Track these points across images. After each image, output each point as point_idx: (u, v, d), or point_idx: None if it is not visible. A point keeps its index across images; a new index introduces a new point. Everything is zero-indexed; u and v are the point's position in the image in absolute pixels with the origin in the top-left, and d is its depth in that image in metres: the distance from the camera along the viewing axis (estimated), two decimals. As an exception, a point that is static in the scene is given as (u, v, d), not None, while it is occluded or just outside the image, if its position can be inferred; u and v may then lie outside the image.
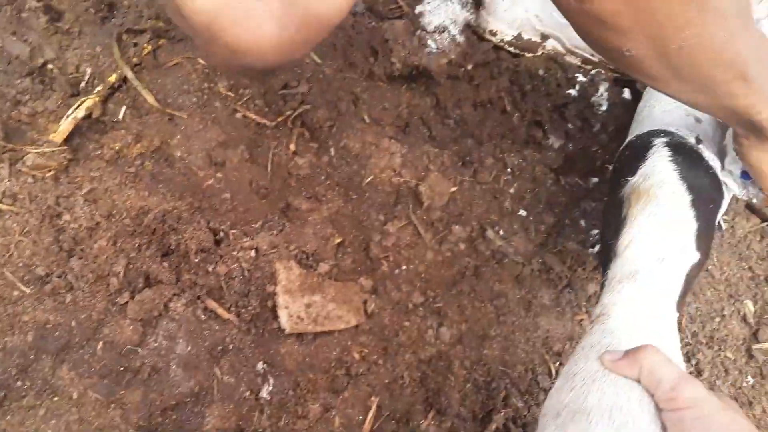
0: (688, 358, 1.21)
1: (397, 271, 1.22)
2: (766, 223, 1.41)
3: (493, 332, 1.18)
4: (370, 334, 1.14)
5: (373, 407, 1.06)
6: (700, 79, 0.73)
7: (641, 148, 1.00)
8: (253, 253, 1.14)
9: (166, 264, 1.09)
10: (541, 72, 1.54)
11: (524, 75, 1.55)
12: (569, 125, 1.50)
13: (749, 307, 1.29)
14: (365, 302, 1.16)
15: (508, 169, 1.38)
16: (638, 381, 0.68)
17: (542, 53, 1.53)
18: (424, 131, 1.42)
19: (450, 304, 1.20)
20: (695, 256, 0.87)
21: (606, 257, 0.93)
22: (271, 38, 0.74)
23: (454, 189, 1.32)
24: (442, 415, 1.07)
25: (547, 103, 1.53)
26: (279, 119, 1.33)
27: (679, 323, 1.22)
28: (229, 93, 1.35)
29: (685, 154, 0.94)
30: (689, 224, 0.88)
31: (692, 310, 1.25)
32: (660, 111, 1.09)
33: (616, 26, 0.64)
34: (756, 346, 1.24)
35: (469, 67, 1.48)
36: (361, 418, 1.05)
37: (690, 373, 1.19)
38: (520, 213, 1.33)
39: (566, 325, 1.23)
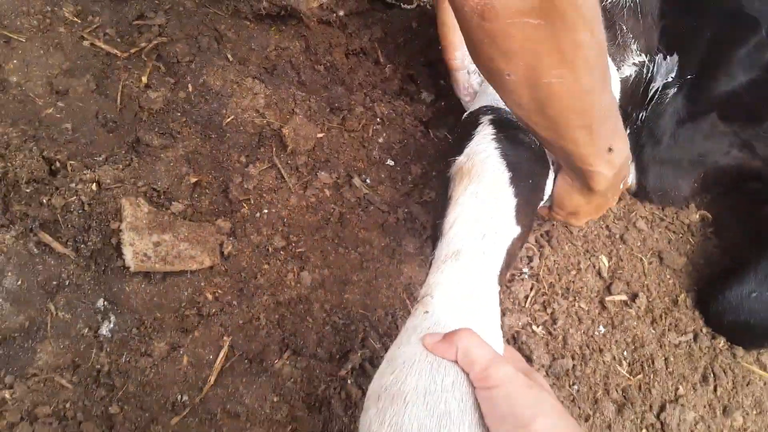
0: (544, 307, 1.34)
1: (258, 214, 1.26)
2: (624, 187, 1.59)
3: (355, 278, 1.25)
4: (225, 275, 1.18)
5: (225, 347, 1.09)
6: (555, 118, 0.86)
7: (470, 126, 1.09)
8: (94, 186, 1.14)
9: (-7, 192, 1.07)
10: (414, 25, 1.65)
11: (398, 27, 1.65)
12: (441, 81, 1.61)
13: (604, 262, 1.45)
14: (221, 244, 1.20)
15: (378, 119, 1.46)
16: (456, 362, 0.76)
17: (417, 5, 1.63)
18: (293, 75, 1.47)
19: (313, 249, 1.26)
20: (516, 230, 0.96)
21: (434, 236, 1.00)
22: None
23: (320, 135, 1.38)
24: (298, 355, 1.12)
25: (420, 57, 1.64)
26: (132, 51, 1.34)
27: (537, 291, 1.36)
28: (76, 19, 1.34)
29: (508, 131, 1.02)
30: (509, 201, 0.96)
31: (550, 263, 1.39)
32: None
33: (506, 48, 0.75)
34: (608, 298, 1.39)
35: (341, 13, 1.55)
36: (211, 357, 1.08)
37: (545, 321, 1.33)
38: (387, 162, 1.42)
39: (429, 274, 1.33)
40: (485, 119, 1.07)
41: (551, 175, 1.11)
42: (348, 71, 1.52)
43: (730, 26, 1.28)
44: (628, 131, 1.43)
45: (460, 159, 1.03)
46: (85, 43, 1.31)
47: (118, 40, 1.34)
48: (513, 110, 0.92)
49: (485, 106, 1.11)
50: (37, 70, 1.25)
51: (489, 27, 0.72)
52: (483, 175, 0.98)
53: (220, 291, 1.15)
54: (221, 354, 1.09)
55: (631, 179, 1.55)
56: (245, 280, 1.18)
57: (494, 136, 1.03)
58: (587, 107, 0.86)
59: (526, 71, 0.78)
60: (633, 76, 1.25)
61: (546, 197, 1.13)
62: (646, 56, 1.26)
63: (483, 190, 0.96)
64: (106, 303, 1.07)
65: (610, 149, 0.96)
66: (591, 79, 0.81)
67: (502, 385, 0.72)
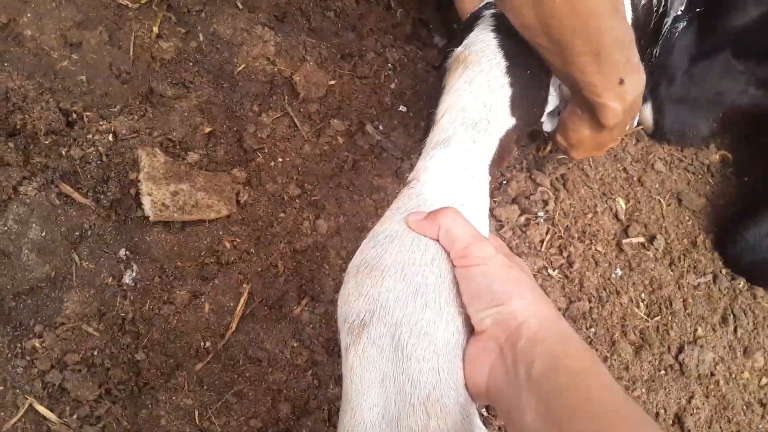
0: (560, 250, 1.35)
1: (272, 163, 1.28)
2: (641, 127, 1.59)
3: (370, 224, 1.27)
4: (242, 224, 1.20)
5: (245, 294, 1.13)
6: (560, 41, 0.84)
7: (472, 19, 1.05)
8: (110, 137, 1.16)
9: (11, 145, 1.09)
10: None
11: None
12: (454, 25, 1.59)
13: (621, 204, 1.46)
14: (238, 193, 1.22)
15: (390, 65, 1.46)
16: (438, 240, 0.77)
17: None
18: (303, 21, 1.46)
19: (328, 197, 1.28)
20: (510, 122, 0.95)
21: (426, 125, 0.99)
22: None
23: (332, 82, 1.39)
24: (316, 301, 1.15)
25: (431, 1, 1.62)
26: (143, 1, 1.34)
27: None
28: (85, -30, 1.33)
29: (509, 24, 0.97)
30: (503, 90, 0.94)
31: (566, 206, 1.40)
32: None
33: None
34: (626, 240, 1.40)
35: (351, -42, 1.54)
36: (232, 304, 1.12)
37: (561, 265, 1.34)
38: (400, 109, 1.42)
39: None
40: (487, 12, 1.05)
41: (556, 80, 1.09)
42: (358, 17, 1.51)
43: None
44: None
45: (458, 49, 1.01)
46: (95, -5, 1.32)
47: (128, -10, 1.34)
48: (521, 32, 0.90)
49: (490, 2, 1.08)
50: (50, 23, 1.26)
51: None
52: (478, 64, 0.96)
53: (237, 239, 1.18)
54: (241, 301, 1.12)
55: (649, 119, 1.54)
56: (262, 228, 1.20)
57: (494, 27, 1.00)
58: (593, 32, 0.83)
59: None
60: (643, 4, 1.22)
61: (551, 107, 1.11)
62: None
63: (477, 78, 0.95)
64: (128, 252, 1.11)
65: (621, 81, 0.93)
66: (596, 1, 0.80)
67: (481, 263, 0.72)
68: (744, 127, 1.58)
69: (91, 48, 1.26)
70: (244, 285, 1.14)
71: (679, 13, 1.34)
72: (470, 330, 0.75)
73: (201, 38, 1.33)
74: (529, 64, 0.99)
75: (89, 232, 1.10)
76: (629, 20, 1.19)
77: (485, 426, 0.70)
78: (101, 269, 1.08)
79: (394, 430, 0.68)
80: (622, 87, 0.95)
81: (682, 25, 1.37)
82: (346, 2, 1.52)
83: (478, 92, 0.94)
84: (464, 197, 0.86)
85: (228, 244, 1.17)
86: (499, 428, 1.15)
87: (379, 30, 1.52)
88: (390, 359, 0.71)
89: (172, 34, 1.32)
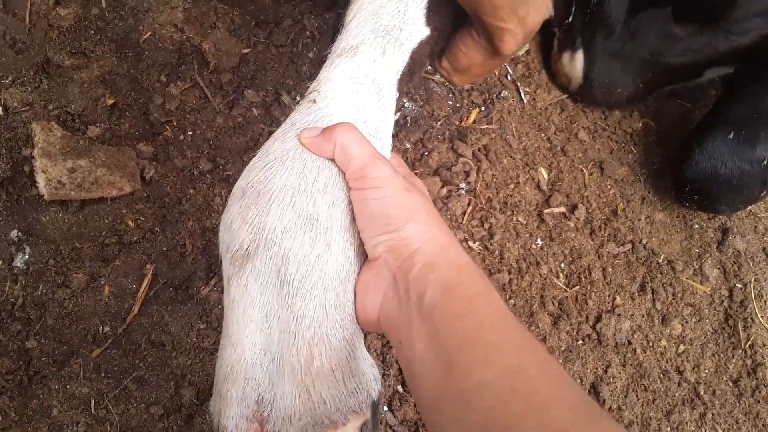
0: (481, 222, 1.33)
1: (182, 136, 1.22)
2: (565, 95, 1.56)
3: (285, 199, 1.23)
4: (148, 201, 1.14)
5: (149, 275, 1.07)
6: None
7: None
8: (0, 111, 1.08)
9: None
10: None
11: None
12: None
13: (543, 174, 1.44)
14: (143, 169, 1.16)
15: (308, 32, 1.40)
16: (333, 160, 0.71)
17: None
18: (216, -13, 1.39)
19: (241, 171, 1.22)
20: (424, 32, 0.87)
21: (334, 28, 0.90)
22: None
23: (246, 51, 1.32)
24: (225, 280, 1.11)
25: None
26: (39, -36, 1.25)
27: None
28: (-26, -70, 1.23)
29: None
30: None
31: (488, 177, 1.37)
32: None
33: None
34: (547, 210, 1.39)
35: None
36: (134, 286, 1.06)
37: (482, 237, 1.32)
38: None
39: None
40: None
41: None
42: (276, -19, 1.44)
43: None
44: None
45: None
46: (-13, -43, 1.22)
47: (23, -48, 1.25)
48: None
49: None
50: (-66, -12, 1.16)
51: None
52: None
53: (142, 218, 1.12)
54: (144, 282, 1.07)
55: (579, 70, 1.50)
56: (169, 205, 1.15)
57: None
58: None
59: None
60: None
61: None
62: None
63: None
64: (20, 234, 1.04)
65: (525, 3, 0.87)
66: None
67: (378, 186, 0.68)
68: (669, 85, 1.56)
69: (-19, 15, 1.17)
70: (148, 266, 1.09)
71: None
72: (364, 257, 0.71)
73: (103, 4, 1.25)
74: None
75: (-23, 214, 1.03)
76: None
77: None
78: (-10, 252, 1.02)
79: (277, 368, 0.65)
80: (525, 11, 0.87)
81: None
82: (263, -34, 1.45)
83: None
84: (367, 114, 0.80)
85: (131, 223, 1.11)
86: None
87: (298, -4, 1.45)
88: (275, 294, 0.67)
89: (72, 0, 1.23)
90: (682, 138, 1.44)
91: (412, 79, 0.91)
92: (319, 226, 0.69)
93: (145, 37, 1.25)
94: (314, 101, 0.78)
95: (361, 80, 0.80)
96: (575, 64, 1.50)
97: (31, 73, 1.14)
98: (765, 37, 1.29)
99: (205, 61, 1.27)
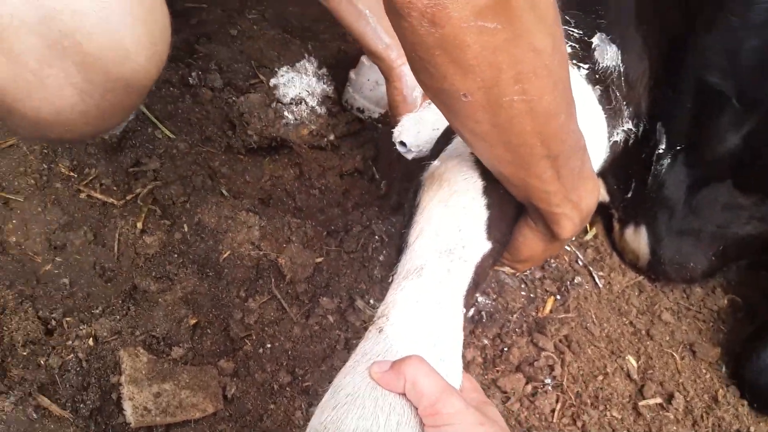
0: (573, 420, 1.25)
1: (261, 349, 1.22)
2: (642, 277, 1.53)
3: (366, 408, 1.19)
4: (230, 420, 1.12)
5: (232, 502, 1.03)
6: (519, 148, 0.77)
7: (451, 131, 0.98)
8: (91, 341, 1.11)
9: (-13, 358, 1.05)
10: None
11: (391, 143, 1.65)
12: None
13: (632, 362, 1.36)
14: (224, 387, 1.15)
15: (377, 237, 1.43)
16: (404, 395, 0.70)
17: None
18: (288, 202, 1.46)
19: (321, 381, 1.20)
20: (486, 246, 0.87)
21: (399, 247, 0.91)
22: (74, 107, 0.74)
23: (319, 259, 1.36)
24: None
25: (417, 169, 1.63)
26: (128, 197, 1.35)
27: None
28: (72, 173, 1.35)
29: None
30: (480, 212, 0.87)
31: (574, 370, 1.31)
32: None
33: (461, 60, 0.66)
34: (642, 402, 1.30)
35: (332, 137, 1.57)
36: None
37: (576, 434, 1.23)
38: (390, 280, 1.37)
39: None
40: None
41: None
42: (343, 192, 1.51)
43: (702, 97, 1.24)
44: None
45: (435, 163, 0.94)
46: (82, 196, 1.33)
47: (115, 188, 1.35)
48: (471, 145, 0.82)
49: None
50: (35, 228, 1.26)
51: (441, 34, 0.63)
52: (454, 182, 0.89)
53: (224, 439, 1.09)
54: None
55: (645, 250, 1.48)
56: (250, 424, 1.12)
57: None
58: (552, 132, 0.76)
59: (485, 89, 0.69)
60: (621, 143, 1.20)
61: None
62: (633, 122, 1.22)
63: (453, 199, 0.88)
64: (105, 464, 1.02)
65: (577, 189, 0.87)
66: (555, 96, 0.73)
67: (451, 423, 0.66)
68: (744, 258, 1.51)
69: (75, 249, 1.25)
70: (232, 491, 1.04)
71: (661, 150, 1.33)
72: None
73: (186, 229, 1.32)
74: None
75: (65, 447, 1.02)
76: (602, 152, 1.16)
77: None
78: (75, 487, 0.99)
79: None
80: (579, 194, 0.87)
81: (667, 161, 1.35)
82: (329, 179, 1.53)
83: (454, 215, 0.87)
84: (436, 337, 0.78)
85: (214, 446, 1.08)
86: None
87: (364, 203, 1.51)
88: None
89: (156, 227, 1.31)
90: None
91: (475, 292, 0.90)
92: None
93: (225, 256, 1.30)
94: (381, 329, 0.78)
95: (428, 303, 0.80)
96: (640, 239, 1.49)
97: (120, 301, 1.18)
98: None
99: (281, 274, 1.30)
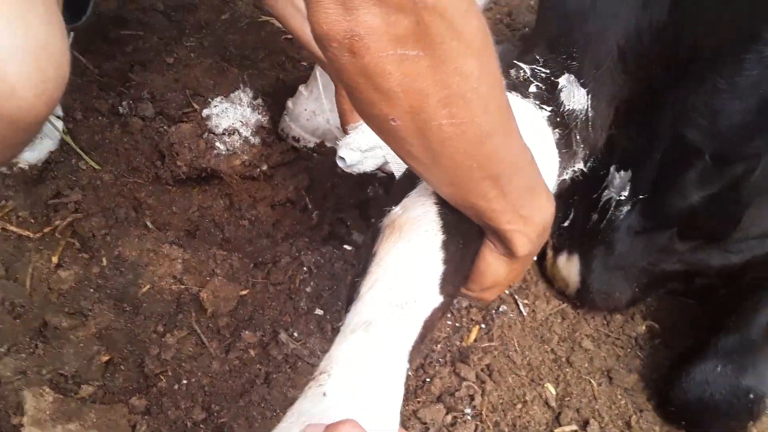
0: (491, 449, 1.23)
1: (176, 386, 1.18)
2: (566, 304, 1.52)
3: (283, 445, 1.15)
4: (138, 461, 1.08)
5: None
6: (455, 170, 0.74)
7: (414, 176, 0.93)
8: (-6, 382, 1.06)
9: None
10: (339, 170, 1.62)
11: (325, 173, 1.63)
12: (372, 219, 1.57)
13: (551, 390, 1.35)
14: (134, 425, 1.10)
15: (305, 268, 1.40)
16: None
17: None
18: (216, 233, 1.43)
19: (236, 417, 1.16)
20: (437, 300, 0.84)
21: (349, 296, 0.88)
22: None
23: (244, 292, 1.32)
24: None
25: (350, 199, 1.61)
26: (45, 230, 1.30)
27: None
28: (-13, 206, 1.30)
29: None
30: (437, 267, 0.85)
31: (494, 399, 1.29)
32: None
33: (385, 87, 0.64)
34: (558, 430, 1.29)
35: (265, 167, 1.54)
36: None
37: (494, 465, 1.21)
38: (316, 312, 1.35)
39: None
40: None
41: None
42: (273, 223, 1.48)
43: (676, 151, 1.24)
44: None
45: (396, 210, 0.90)
46: (-3, 229, 1.27)
47: (32, 221, 1.31)
48: (411, 166, 0.79)
49: None
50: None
51: (362, 63, 0.61)
52: (413, 233, 0.85)
53: (131, 481, 1.05)
54: None
55: (575, 276, 1.47)
56: (160, 464, 1.08)
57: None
58: (489, 153, 0.73)
59: (412, 114, 0.67)
60: (569, 181, 1.18)
61: None
62: (585, 163, 1.20)
63: (411, 251, 0.84)
64: None
65: (528, 204, 0.84)
66: (488, 117, 0.70)
67: None
68: (666, 288, 1.52)
69: (-15, 284, 1.19)
70: None
71: (623, 197, 1.32)
72: None
73: (104, 262, 1.28)
74: (466, 234, 0.89)
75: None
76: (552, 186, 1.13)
77: None
78: None
79: None
80: (530, 211, 0.84)
81: (626, 209, 1.35)
82: (260, 210, 1.50)
83: (410, 270, 0.83)
84: (376, 396, 0.75)
85: (120, 488, 1.04)
86: None
87: (295, 234, 1.49)
88: None
89: (73, 261, 1.26)
90: (687, 341, 1.40)
91: (421, 345, 0.86)
92: None
93: (144, 290, 1.26)
94: (321, 386, 0.74)
95: (372, 360, 0.77)
96: (571, 267, 1.48)
97: (27, 339, 1.13)
98: (756, 258, 1.33)
99: (202, 308, 1.26)
